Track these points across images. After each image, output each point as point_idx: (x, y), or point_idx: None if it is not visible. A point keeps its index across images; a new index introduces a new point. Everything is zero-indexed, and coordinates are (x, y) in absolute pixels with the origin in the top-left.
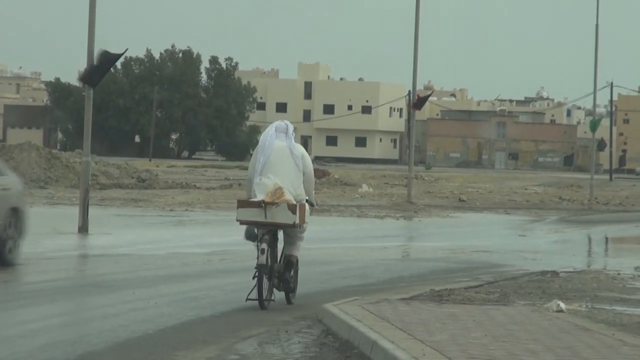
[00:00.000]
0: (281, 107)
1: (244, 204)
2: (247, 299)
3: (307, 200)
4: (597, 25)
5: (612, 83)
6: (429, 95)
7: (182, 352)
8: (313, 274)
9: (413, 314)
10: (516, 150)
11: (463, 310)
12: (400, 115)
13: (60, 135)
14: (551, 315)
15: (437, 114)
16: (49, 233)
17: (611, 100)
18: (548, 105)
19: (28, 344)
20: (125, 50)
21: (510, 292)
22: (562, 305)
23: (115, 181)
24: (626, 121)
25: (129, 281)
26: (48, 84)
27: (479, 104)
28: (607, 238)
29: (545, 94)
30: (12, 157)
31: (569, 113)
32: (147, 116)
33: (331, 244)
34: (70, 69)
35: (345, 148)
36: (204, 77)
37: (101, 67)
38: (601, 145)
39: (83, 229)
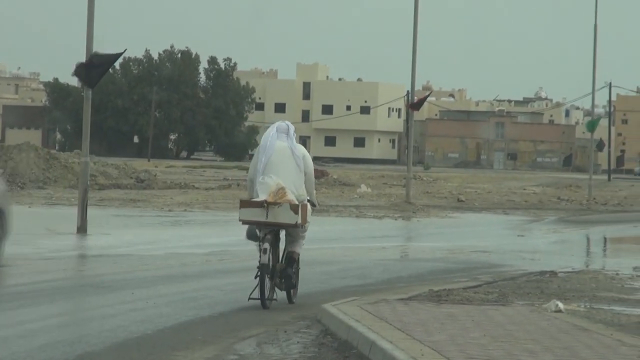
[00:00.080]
0: (280, 108)
1: (246, 204)
2: (250, 298)
3: (308, 201)
4: (595, 26)
5: (610, 83)
6: (428, 96)
7: (181, 352)
8: (312, 274)
9: (412, 314)
10: (515, 150)
11: (462, 311)
12: (399, 116)
13: (58, 136)
14: (550, 316)
15: (436, 114)
16: (46, 233)
17: (609, 101)
18: (547, 105)
19: (27, 344)
20: (124, 51)
21: (509, 292)
22: (561, 305)
23: (114, 181)
24: (625, 121)
25: (128, 281)
26: (47, 84)
27: (477, 104)
28: (605, 238)
29: (543, 94)
30: (10, 158)
31: (567, 113)
32: (145, 116)
33: (330, 244)
34: (69, 70)
35: (344, 148)
36: (202, 77)
37: (100, 67)
38: (600, 145)
39: (82, 229)
